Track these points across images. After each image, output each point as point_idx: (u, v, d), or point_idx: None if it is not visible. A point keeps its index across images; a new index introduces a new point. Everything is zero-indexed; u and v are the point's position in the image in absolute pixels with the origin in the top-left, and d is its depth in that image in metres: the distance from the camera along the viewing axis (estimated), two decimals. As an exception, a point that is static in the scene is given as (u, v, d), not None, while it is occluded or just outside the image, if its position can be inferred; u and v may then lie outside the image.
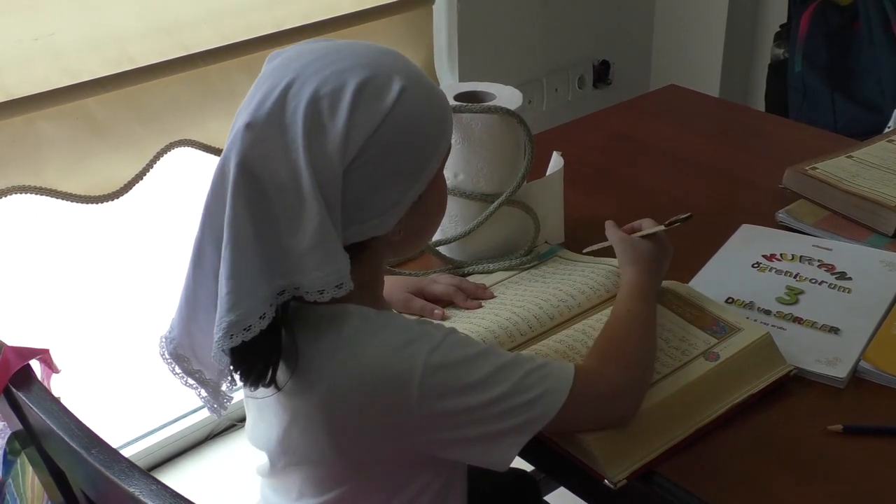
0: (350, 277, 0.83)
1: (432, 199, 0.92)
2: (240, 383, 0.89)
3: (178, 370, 0.93)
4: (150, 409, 2.10)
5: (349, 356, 0.85)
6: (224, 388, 0.95)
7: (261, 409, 0.94)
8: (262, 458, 0.98)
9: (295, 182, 0.81)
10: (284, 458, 0.92)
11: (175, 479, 2.03)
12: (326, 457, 0.89)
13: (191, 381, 0.93)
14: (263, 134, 0.82)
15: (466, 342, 0.89)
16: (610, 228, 1.15)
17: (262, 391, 0.87)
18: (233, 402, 0.97)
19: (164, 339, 0.92)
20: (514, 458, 0.88)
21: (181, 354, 0.91)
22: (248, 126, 0.82)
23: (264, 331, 0.82)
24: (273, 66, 0.87)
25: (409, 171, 0.87)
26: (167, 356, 0.92)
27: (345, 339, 0.85)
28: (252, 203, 0.81)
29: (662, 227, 1.13)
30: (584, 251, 1.23)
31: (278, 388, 0.86)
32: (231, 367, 0.86)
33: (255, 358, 0.84)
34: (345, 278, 0.83)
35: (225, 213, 0.82)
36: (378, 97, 0.84)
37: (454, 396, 0.85)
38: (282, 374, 0.86)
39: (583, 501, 1.00)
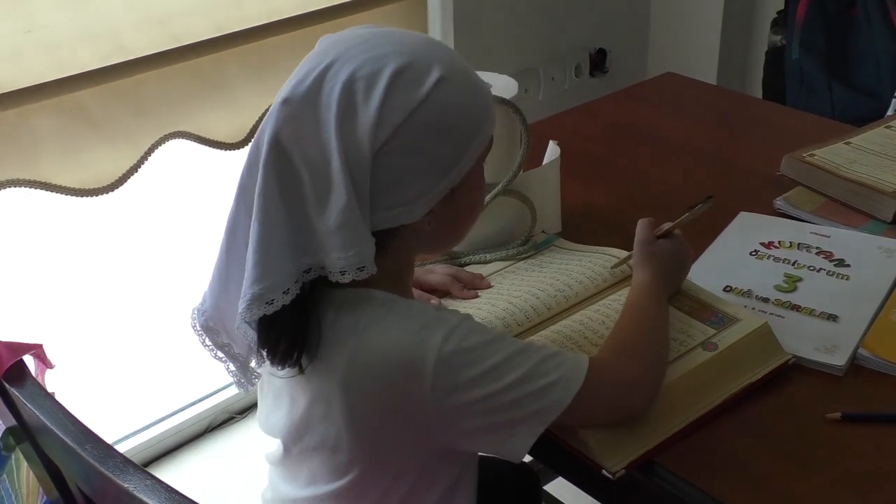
0: (374, 261, 0.83)
1: (466, 194, 0.91)
2: (267, 362, 0.89)
3: (208, 342, 0.93)
4: (148, 403, 2.10)
5: (366, 340, 0.85)
6: (253, 364, 0.95)
7: (277, 396, 0.94)
8: (273, 446, 0.97)
9: (325, 161, 0.82)
10: (300, 443, 0.92)
11: (174, 472, 2.03)
12: (343, 441, 0.88)
13: (220, 354, 0.94)
14: (298, 111, 0.83)
15: (482, 329, 0.88)
16: (640, 226, 1.11)
17: (286, 371, 0.87)
18: (260, 379, 0.97)
19: (195, 311, 0.93)
20: (528, 448, 0.87)
21: (212, 327, 0.92)
22: (285, 102, 0.83)
23: (288, 307, 0.83)
24: (319, 48, 0.87)
25: (441, 163, 0.86)
26: (198, 328, 0.93)
27: (363, 323, 0.85)
28: (282, 178, 0.82)
29: (686, 217, 1.11)
30: (612, 267, 1.16)
31: (302, 370, 0.87)
32: (257, 344, 0.87)
33: (279, 335, 0.85)
34: (367, 261, 0.83)
35: (256, 186, 0.82)
36: (414, 84, 0.83)
37: (468, 384, 0.84)
38: (305, 355, 0.86)
39: (582, 492, 1.00)
